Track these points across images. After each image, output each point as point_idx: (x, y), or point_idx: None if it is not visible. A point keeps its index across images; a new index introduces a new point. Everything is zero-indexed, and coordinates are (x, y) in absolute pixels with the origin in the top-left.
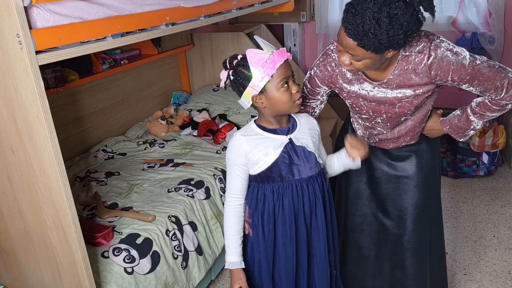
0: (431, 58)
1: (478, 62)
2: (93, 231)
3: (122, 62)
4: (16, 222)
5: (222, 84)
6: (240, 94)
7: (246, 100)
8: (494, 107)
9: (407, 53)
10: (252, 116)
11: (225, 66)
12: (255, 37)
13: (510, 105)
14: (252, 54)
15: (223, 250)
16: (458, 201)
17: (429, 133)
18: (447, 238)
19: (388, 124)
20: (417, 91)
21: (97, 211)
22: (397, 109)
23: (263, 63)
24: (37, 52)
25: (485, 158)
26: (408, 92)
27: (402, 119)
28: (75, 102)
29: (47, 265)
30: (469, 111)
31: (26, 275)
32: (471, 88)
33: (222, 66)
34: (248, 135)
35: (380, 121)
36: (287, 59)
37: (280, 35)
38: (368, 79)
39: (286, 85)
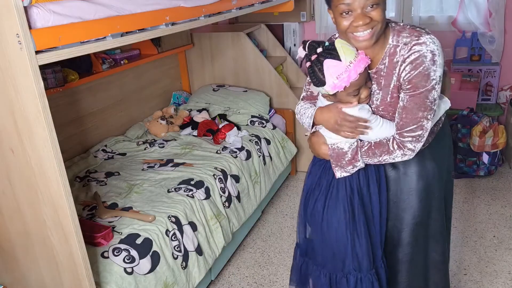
0: (411, 52)
1: (437, 87)
2: (93, 231)
3: (122, 62)
4: (16, 222)
5: (297, 57)
6: (312, 83)
7: (317, 90)
8: (390, 146)
9: (395, 43)
10: (252, 116)
11: (304, 48)
12: (336, 41)
13: (397, 153)
14: (328, 65)
15: (223, 250)
16: (458, 201)
17: (311, 148)
18: None
19: None
20: (394, 94)
21: (96, 211)
22: (380, 112)
23: (338, 74)
24: (37, 52)
25: (485, 158)
26: (389, 94)
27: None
28: (75, 102)
29: (47, 265)
30: (359, 143)
31: (26, 275)
32: (406, 98)
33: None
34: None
35: None
36: (366, 66)
37: (280, 35)
38: None
39: (357, 94)
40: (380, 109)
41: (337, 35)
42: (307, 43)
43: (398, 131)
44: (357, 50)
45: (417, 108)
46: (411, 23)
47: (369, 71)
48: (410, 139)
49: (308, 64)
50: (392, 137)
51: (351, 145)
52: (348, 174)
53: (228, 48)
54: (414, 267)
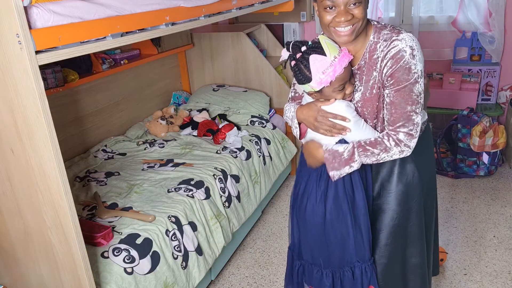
0: (391, 47)
1: (420, 80)
2: (93, 231)
3: (122, 62)
4: (16, 222)
5: (281, 60)
6: (297, 81)
7: (301, 88)
8: (387, 143)
9: (375, 40)
10: (252, 116)
11: (287, 49)
12: (320, 37)
13: (394, 151)
14: (314, 60)
15: (223, 250)
16: (458, 201)
17: (306, 155)
18: (447, 238)
19: None
20: (373, 91)
21: (96, 211)
22: (360, 108)
23: (324, 69)
24: (37, 52)
25: (485, 158)
26: (368, 91)
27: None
28: (75, 102)
29: (47, 265)
30: (355, 143)
31: (26, 275)
32: (392, 94)
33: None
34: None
35: None
36: (349, 61)
37: (280, 35)
38: None
39: (342, 88)
40: (360, 104)
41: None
42: (291, 44)
43: (391, 127)
44: (340, 47)
45: (405, 102)
46: (411, 23)
47: (352, 68)
48: (403, 134)
49: (293, 62)
50: (386, 134)
51: (347, 145)
52: (343, 175)
53: (228, 48)
54: (391, 270)
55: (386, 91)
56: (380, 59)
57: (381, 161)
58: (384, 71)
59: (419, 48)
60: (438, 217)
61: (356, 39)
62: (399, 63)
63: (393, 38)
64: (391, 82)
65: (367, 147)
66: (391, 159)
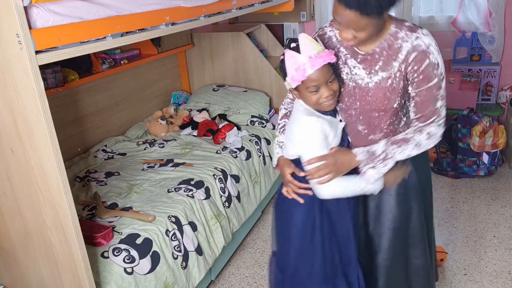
0: (418, 40)
1: (444, 76)
2: (93, 231)
3: (122, 62)
4: (16, 222)
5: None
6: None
7: (286, 85)
8: (416, 138)
9: (397, 29)
10: (252, 116)
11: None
12: (300, 35)
13: (425, 144)
14: (288, 56)
15: (223, 250)
16: (458, 201)
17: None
18: (447, 238)
19: (361, 117)
20: (389, 81)
21: (96, 211)
22: (369, 97)
23: (296, 67)
24: (37, 52)
25: (485, 158)
26: (382, 80)
27: (375, 114)
28: (75, 102)
29: (47, 265)
30: (386, 141)
31: (26, 275)
32: (422, 94)
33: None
34: (315, 115)
35: (353, 113)
36: (327, 63)
37: (280, 35)
38: (355, 48)
39: (315, 91)
40: (371, 93)
41: (327, 25)
42: (287, 40)
43: (421, 124)
44: (325, 48)
45: (435, 99)
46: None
47: (362, 52)
48: (435, 128)
49: (281, 57)
50: (418, 130)
51: (379, 144)
52: (381, 175)
53: (228, 48)
54: (394, 273)
55: (415, 89)
56: (404, 49)
57: (411, 156)
58: (414, 67)
59: (450, 41)
60: (438, 217)
61: (369, 28)
62: (429, 58)
63: (418, 31)
64: (421, 78)
65: (400, 144)
66: (421, 152)
